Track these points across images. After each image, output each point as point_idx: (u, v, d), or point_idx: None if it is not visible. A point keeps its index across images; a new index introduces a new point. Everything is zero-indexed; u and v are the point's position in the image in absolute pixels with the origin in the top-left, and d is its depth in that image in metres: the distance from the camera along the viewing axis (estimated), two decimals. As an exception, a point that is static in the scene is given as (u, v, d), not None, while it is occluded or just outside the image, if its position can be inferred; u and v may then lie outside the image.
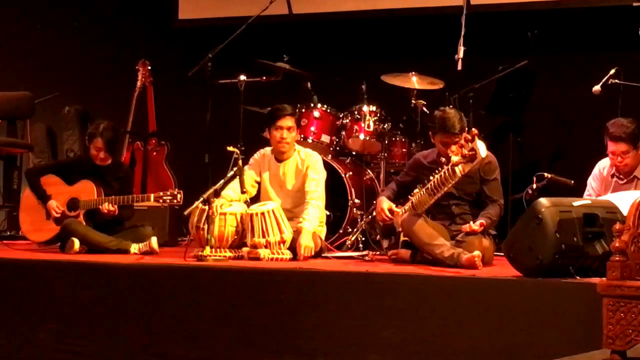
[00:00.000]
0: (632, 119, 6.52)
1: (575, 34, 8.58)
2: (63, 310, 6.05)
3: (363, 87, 8.00)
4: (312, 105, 8.00)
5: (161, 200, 6.85)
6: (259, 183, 7.03)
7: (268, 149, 7.09)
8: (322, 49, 9.35)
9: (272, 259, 6.42)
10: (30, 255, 6.83)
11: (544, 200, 5.25)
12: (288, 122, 6.93)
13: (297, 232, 6.63)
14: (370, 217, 7.27)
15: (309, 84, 8.13)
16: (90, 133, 7.15)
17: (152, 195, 6.87)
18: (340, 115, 8.03)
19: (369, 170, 8.05)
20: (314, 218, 6.75)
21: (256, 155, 7.11)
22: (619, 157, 6.45)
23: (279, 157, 7.00)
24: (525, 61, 7.85)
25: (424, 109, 7.78)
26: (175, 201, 6.83)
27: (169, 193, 6.85)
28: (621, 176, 6.53)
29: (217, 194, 6.53)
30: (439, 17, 8.62)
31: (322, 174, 6.97)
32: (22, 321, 6.14)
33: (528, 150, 8.44)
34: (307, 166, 6.93)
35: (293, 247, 6.56)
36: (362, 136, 7.88)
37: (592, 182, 6.72)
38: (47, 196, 7.19)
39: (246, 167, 6.92)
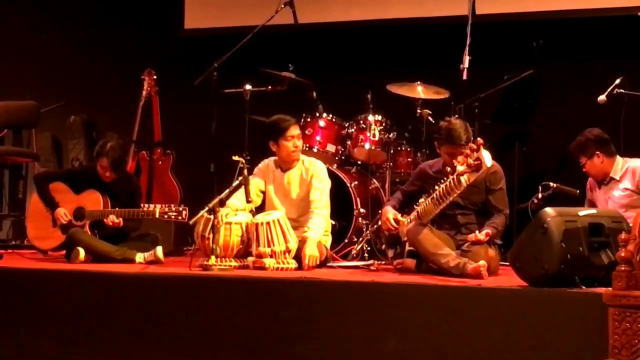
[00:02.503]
0: (597, 129, 6.91)
1: (581, 44, 8.59)
2: (68, 320, 6.05)
3: (368, 96, 8.01)
4: (317, 114, 8.01)
5: (166, 216, 6.85)
6: (264, 192, 7.03)
7: (271, 159, 7.08)
8: (328, 59, 9.36)
9: (277, 269, 6.41)
10: (36, 264, 6.84)
11: (549, 210, 5.25)
12: (296, 130, 6.95)
13: (302, 242, 6.62)
14: (375, 226, 7.27)
15: (314, 94, 8.13)
16: (97, 152, 7.16)
17: (157, 210, 6.86)
18: (346, 125, 8.03)
19: (374, 180, 8.05)
20: (319, 227, 6.75)
21: (260, 165, 7.11)
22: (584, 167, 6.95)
23: (284, 166, 7.00)
24: (531, 71, 7.86)
25: (430, 118, 7.79)
26: (180, 218, 6.82)
27: (174, 209, 6.84)
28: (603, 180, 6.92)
29: (222, 203, 6.52)
30: (444, 27, 8.62)
31: (327, 183, 6.96)
32: (27, 330, 6.13)
33: (533, 160, 8.43)
34: (312, 175, 6.93)
35: (298, 257, 6.55)
36: (367, 146, 7.88)
37: (587, 193, 7.06)
38: (55, 203, 7.20)
39: (251, 177, 6.92)
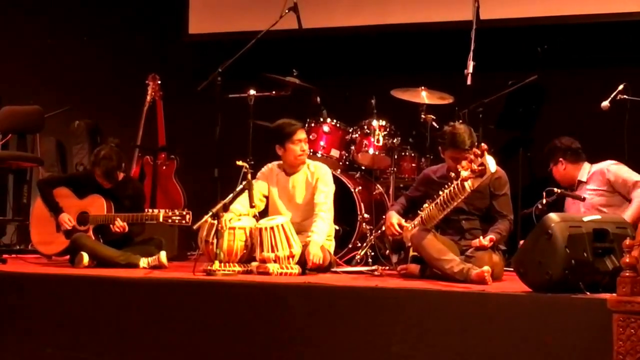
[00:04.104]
0: (567, 138, 7.25)
1: (585, 49, 8.59)
2: (71, 325, 6.05)
3: (372, 101, 8.00)
4: (321, 119, 8.01)
5: (170, 220, 6.85)
6: (267, 197, 7.02)
7: (275, 163, 7.08)
8: (332, 64, 9.37)
9: (281, 274, 6.41)
10: (40, 269, 6.84)
11: (553, 216, 5.24)
12: (303, 134, 6.99)
13: (305, 246, 6.62)
14: (379, 231, 7.26)
15: (318, 99, 8.13)
16: (92, 161, 7.16)
17: (161, 215, 6.85)
18: (350, 130, 8.04)
19: (378, 185, 8.05)
20: (323, 232, 6.74)
21: (264, 169, 7.10)
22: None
23: (290, 170, 7.00)
24: (535, 76, 7.85)
25: (434, 123, 7.79)
26: (184, 222, 6.81)
27: (177, 213, 6.84)
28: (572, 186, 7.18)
29: (226, 208, 6.52)
30: (448, 32, 8.63)
31: (332, 187, 6.96)
32: (31, 334, 6.14)
33: (537, 165, 8.41)
34: (317, 178, 6.93)
35: (302, 261, 6.55)
36: (371, 151, 7.88)
37: None
38: (59, 208, 7.20)
39: (254, 181, 6.92)
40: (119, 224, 6.94)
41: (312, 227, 6.73)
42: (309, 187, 6.95)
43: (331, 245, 6.96)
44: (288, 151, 6.92)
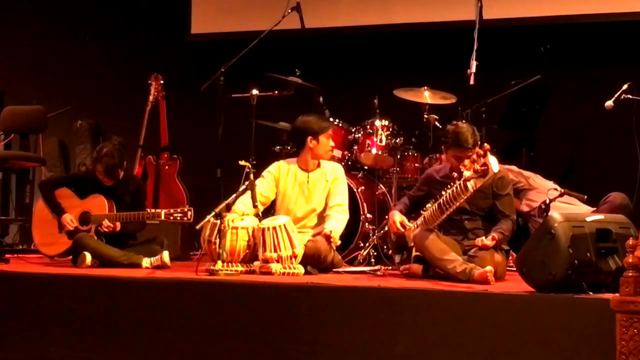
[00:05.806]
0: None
1: (588, 49, 8.58)
2: (75, 325, 6.05)
3: (375, 101, 8.00)
4: (323, 119, 8.01)
5: (172, 218, 6.84)
6: (273, 200, 7.02)
7: (286, 161, 7.08)
8: (335, 63, 9.36)
9: (283, 274, 6.41)
10: (42, 269, 6.84)
11: (556, 216, 5.24)
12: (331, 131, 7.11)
13: (312, 242, 6.66)
14: (382, 231, 7.26)
15: (321, 98, 8.12)
16: (94, 157, 7.15)
17: (162, 213, 6.85)
18: (353, 130, 8.03)
19: (381, 185, 8.04)
20: (338, 229, 6.77)
21: (271, 169, 7.06)
22: None
23: (307, 167, 6.98)
24: (538, 76, 7.84)
25: (437, 123, 7.79)
26: (185, 219, 6.81)
27: (179, 210, 6.83)
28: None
29: (229, 208, 6.52)
30: (451, 32, 8.62)
31: (347, 191, 7.00)
32: (34, 335, 6.14)
33: (540, 165, 8.42)
34: (335, 178, 6.96)
35: (304, 262, 6.55)
36: (374, 151, 7.88)
37: None
38: (61, 209, 7.19)
39: (261, 178, 6.92)
40: (106, 224, 6.94)
41: (326, 225, 6.74)
42: (327, 184, 6.95)
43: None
44: (321, 144, 6.96)
